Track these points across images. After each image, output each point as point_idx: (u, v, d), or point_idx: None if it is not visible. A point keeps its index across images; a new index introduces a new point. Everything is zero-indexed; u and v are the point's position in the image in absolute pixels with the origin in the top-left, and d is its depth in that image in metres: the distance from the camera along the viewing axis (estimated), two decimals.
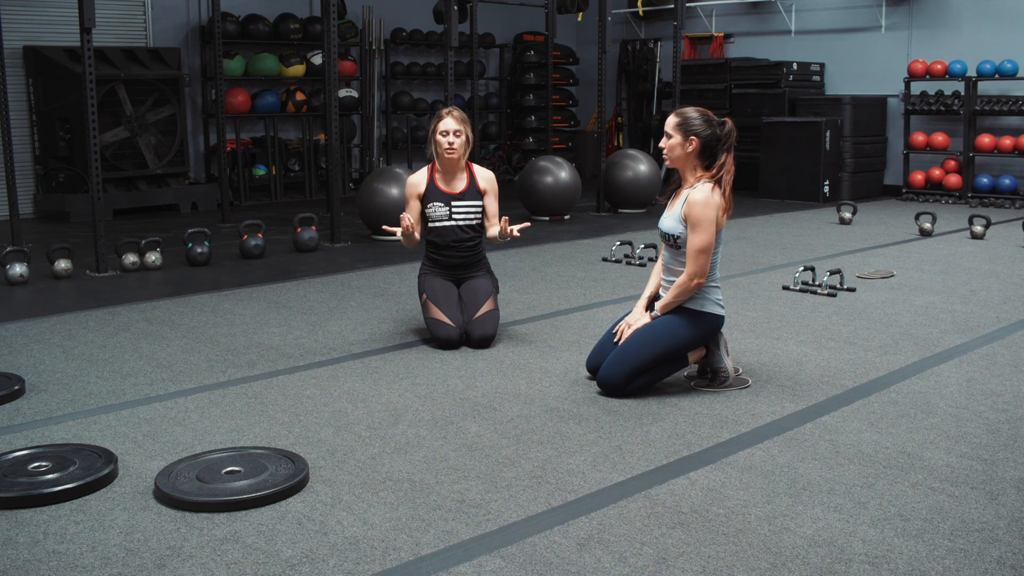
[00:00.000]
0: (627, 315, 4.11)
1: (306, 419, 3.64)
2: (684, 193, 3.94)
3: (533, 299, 5.73)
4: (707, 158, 3.91)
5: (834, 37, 11.78)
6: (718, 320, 3.97)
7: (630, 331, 3.95)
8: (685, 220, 3.88)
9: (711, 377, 4.01)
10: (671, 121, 3.94)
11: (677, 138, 3.91)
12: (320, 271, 6.69)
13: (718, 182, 3.90)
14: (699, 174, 3.93)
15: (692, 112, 3.94)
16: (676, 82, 10.46)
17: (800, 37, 12.07)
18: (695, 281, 3.85)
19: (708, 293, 3.93)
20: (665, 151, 3.97)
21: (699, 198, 3.84)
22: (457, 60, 11.35)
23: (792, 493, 2.95)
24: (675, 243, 3.93)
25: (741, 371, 4.17)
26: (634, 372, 3.83)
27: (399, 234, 4.63)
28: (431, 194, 4.79)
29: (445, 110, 4.75)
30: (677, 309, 3.94)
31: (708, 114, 3.94)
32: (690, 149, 3.89)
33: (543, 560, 2.54)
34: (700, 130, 3.88)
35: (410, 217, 4.62)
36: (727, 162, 3.90)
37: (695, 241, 3.83)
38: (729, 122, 3.93)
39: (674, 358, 3.94)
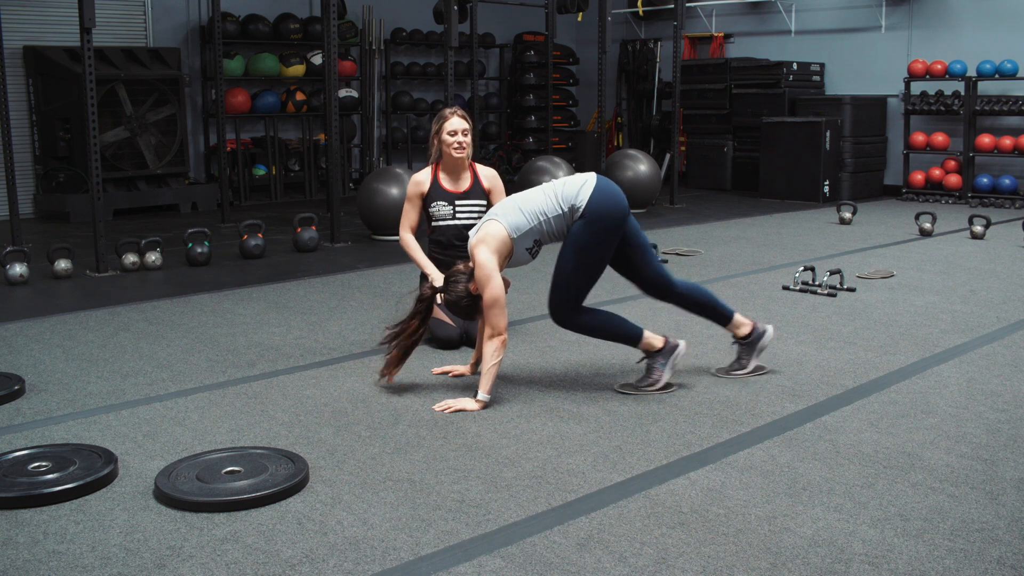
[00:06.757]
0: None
1: (306, 419, 3.64)
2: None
3: (533, 299, 5.73)
4: None
5: (834, 37, 11.78)
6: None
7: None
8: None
9: (732, 361, 4.20)
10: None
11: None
12: (320, 271, 6.69)
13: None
14: None
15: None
16: (676, 82, 10.47)
17: (800, 37, 12.06)
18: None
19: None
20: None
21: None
22: (457, 60, 11.34)
23: (792, 493, 2.95)
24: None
25: (765, 369, 4.24)
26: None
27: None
28: (435, 193, 4.77)
29: (449, 110, 4.68)
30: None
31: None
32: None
33: (543, 560, 2.54)
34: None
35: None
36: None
37: None
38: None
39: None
